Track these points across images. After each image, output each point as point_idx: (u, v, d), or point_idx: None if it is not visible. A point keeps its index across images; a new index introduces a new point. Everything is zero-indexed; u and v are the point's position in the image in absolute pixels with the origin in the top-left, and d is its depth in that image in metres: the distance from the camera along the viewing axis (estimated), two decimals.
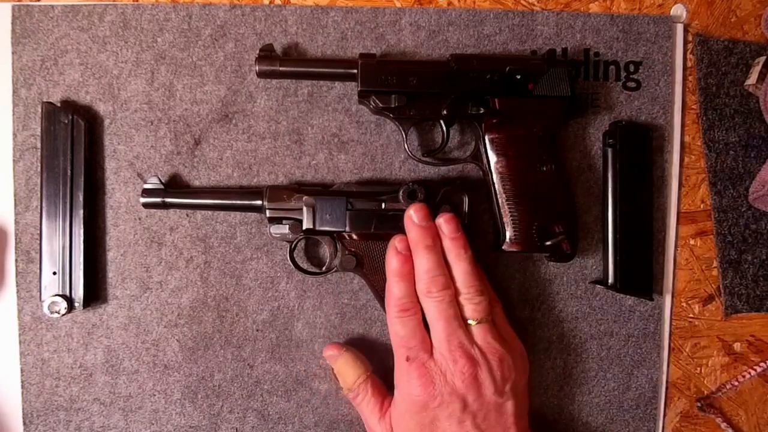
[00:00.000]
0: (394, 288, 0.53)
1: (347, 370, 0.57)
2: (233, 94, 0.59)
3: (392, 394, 0.55)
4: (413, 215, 0.54)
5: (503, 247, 0.56)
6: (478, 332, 0.52)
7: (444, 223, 0.53)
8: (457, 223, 0.54)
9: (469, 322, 0.52)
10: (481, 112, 0.56)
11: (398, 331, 0.53)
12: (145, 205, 0.57)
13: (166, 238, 0.59)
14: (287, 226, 0.56)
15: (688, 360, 0.64)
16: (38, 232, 0.57)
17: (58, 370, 0.59)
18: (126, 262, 0.59)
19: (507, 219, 0.56)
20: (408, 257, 0.53)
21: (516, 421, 0.52)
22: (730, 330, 0.64)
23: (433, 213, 0.55)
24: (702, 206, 0.64)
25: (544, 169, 0.56)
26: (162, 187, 0.56)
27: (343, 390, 0.58)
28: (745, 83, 0.63)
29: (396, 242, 0.54)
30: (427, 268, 0.52)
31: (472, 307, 0.52)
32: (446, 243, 0.53)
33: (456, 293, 0.53)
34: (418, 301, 0.53)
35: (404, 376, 0.52)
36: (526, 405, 0.56)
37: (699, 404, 0.64)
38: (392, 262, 0.53)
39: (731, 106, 0.63)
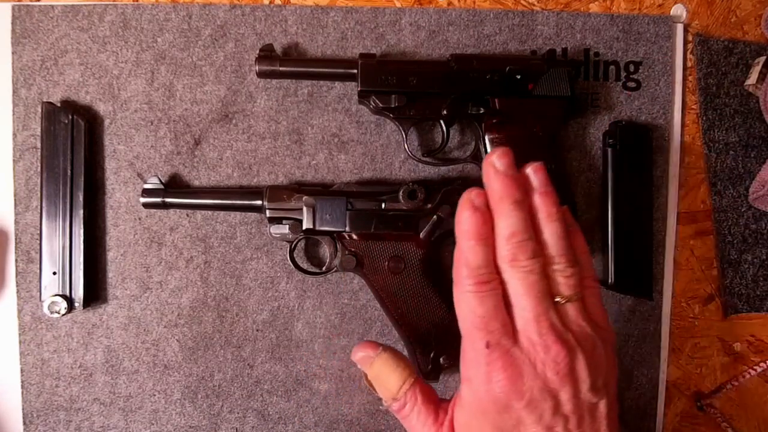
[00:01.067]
0: (470, 255, 0.41)
1: (388, 375, 0.46)
2: (233, 94, 0.59)
3: (445, 401, 0.46)
4: (496, 162, 0.42)
5: None
6: (571, 312, 0.42)
7: (533, 173, 0.43)
8: (546, 174, 0.43)
9: (557, 299, 0.42)
10: (481, 112, 0.56)
11: (475, 310, 0.41)
12: (145, 205, 0.57)
13: (166, 238, 0.59)
14: (287, 226, 0.56)
15: (688, 360, 0.64)
16: (38, 232, 0.57)
17: (58, 370, 0.59)
18: (126, 262, 0.59)
19: None
20: (488, 215, 0.42)
21: (609, 426, 0.42)
22: (730, 330, 0.64)
23: (433, 212, 0.54)
24: (702, 206, 0.64)
25: None
26: (162, 187, 0.56)
27: (383, 401, 0.46)
28: (745, 83, 0.63)
29: (473, 196, 0.42)
30: (513, 230, 0.41)
31: (564, 281, 0.42)
32: (537, 199, 0.42)
33: (547, 263, 0.42)
34: (499, 274, 0.42)
35: (483, 366, 0.41)
36: (617, 408, 0.44)
37: (699, 404, 0.64)
38: (467, 222, 0.41)
39: (731, 106, 0.63)
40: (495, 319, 0.41)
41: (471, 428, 0.43)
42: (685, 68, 0.63)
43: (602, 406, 0.42)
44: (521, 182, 0.42)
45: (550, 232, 0.42)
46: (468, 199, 0.42)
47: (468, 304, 0.41)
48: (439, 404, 0.45)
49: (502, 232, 0.41)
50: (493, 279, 0.41)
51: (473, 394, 0.42)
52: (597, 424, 0.41)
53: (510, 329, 0.41)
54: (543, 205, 0.42)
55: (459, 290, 0.42)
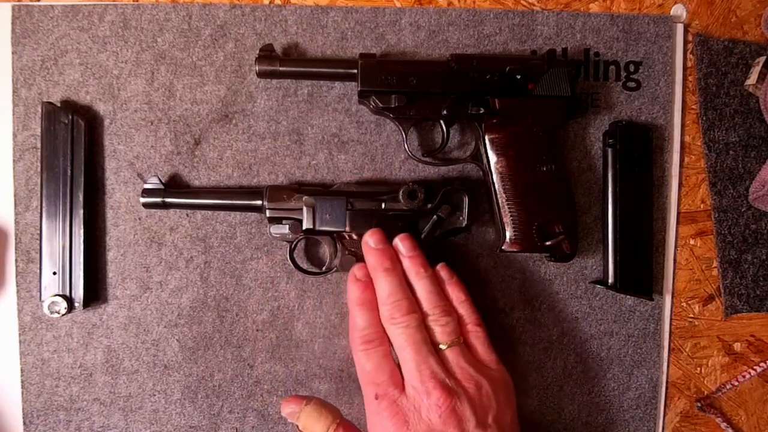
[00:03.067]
0: (357, 318, 0.50)
1: (313, 424, 0.50)
2: (233, 94, 0.59)
3: None
4: (369, 240, 0.52)
5: (503, 247, 0.56)
6: (451, 357, 0.48)
7: (400, 242, 0.52)
8: (413, 241, 0.52)
9: (440, 346, 0.48)
10: (481, 112, 0.56)
11: (364, 366, 0.48)
12: (145, 205, 0.57)
13: (166, 238, 0.59)
14: (287, 226, 0.56)
15: (688, 360, 0.64)
16: (38, 232, 0.57)
17: (58, 370, 0.59)
18: (126, 262, 0.59)
19: (507, 219, 0.56)
20: (368, 284, 0.50)
21: None
22: (730, 330, 0.64)
23: (433, 212, 0.54)
24: (702, 206, 0.64)
25: (545, 169, 0.56)
26: (162, 187, 0.56)
27: None
28: (745, 83, 0.63)
29: (355, 270, 0.52)
30: (388, 292, 0.49)
31: (440, 330, 0.48)
32: (405, 263, 0.51)
33: (423, 317, 0.49)
34: (384, 332, 0.49)
35: (375, 416, 0.47)
36: None
37: (699, 404, 0.64)
38: (353, 291, 0.51)
39: (731, 106, 0.63)
40: (382, 372, 0.47)
41: None
42: (685, 68, 0.63)
43: None
44: (390, 253, 0.51)
45: (420, 288, 0.50)
46: (352, 273, 0.51)
47: (359, 362, 0.49)
48: None
49: (380, 296, 0.49)
50: (377, 338, 0.48)
51: None
52: None
53: (399, 380, 0.47)
54: (411, 267, 0.51)
55: (353, 351, 0.49)
